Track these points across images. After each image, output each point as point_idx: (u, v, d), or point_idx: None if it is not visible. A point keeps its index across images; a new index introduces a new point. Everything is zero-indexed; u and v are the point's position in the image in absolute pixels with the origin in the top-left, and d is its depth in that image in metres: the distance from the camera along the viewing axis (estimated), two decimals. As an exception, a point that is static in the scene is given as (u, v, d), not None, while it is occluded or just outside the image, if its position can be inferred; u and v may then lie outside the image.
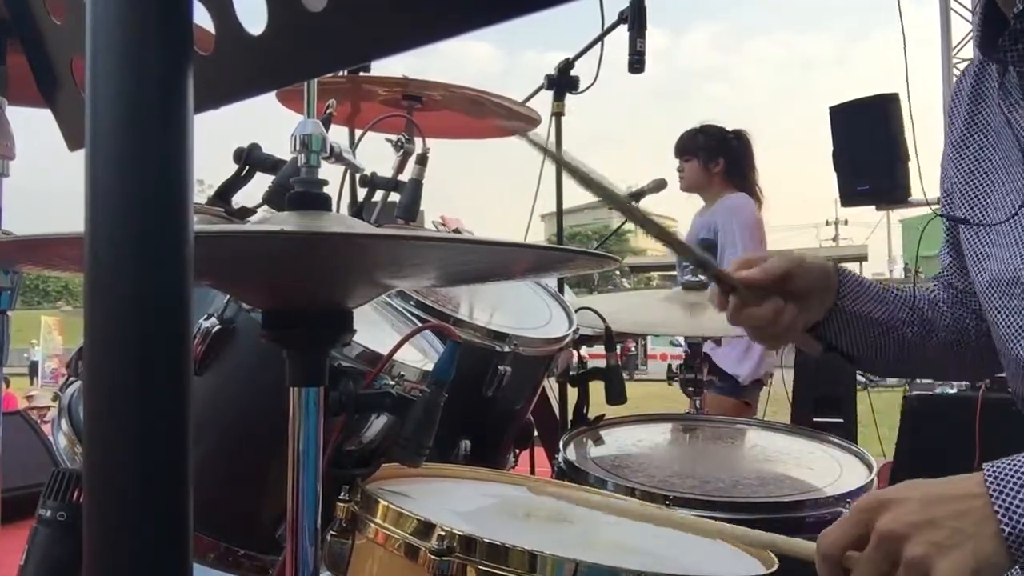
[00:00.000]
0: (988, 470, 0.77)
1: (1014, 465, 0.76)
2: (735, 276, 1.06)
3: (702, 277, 2.10)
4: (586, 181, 0.80)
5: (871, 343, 1.16)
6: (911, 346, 1.18)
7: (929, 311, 1.19)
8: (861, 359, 1.19)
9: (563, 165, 0.82)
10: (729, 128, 3.50)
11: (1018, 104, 1.05)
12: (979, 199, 1.10)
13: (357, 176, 1.81)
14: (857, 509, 0.80)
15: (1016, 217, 1.03)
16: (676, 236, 0.98)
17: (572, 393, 1.79)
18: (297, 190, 0.82)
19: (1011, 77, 1.05)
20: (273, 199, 1.32)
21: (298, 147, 0.87)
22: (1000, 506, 0.75)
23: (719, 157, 3.39)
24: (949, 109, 1.20)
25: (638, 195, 2.82)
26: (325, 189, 0.84)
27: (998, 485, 0.76)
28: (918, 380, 3.62)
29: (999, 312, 1.05)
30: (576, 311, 1.70)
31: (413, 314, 1.37)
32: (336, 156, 1.23)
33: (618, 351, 1.77)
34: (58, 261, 0.80)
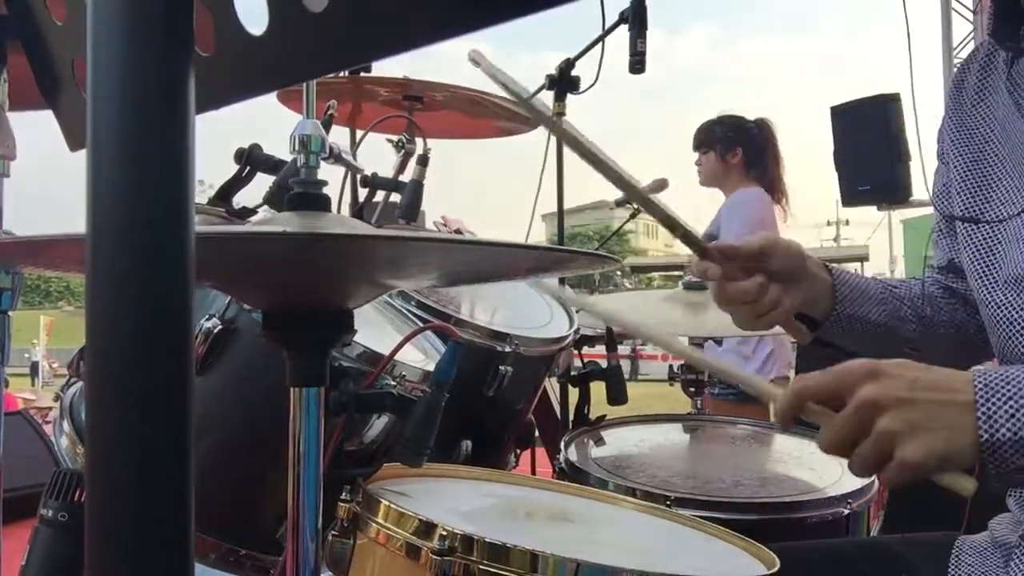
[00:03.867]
0: (978, 376, 0.78)
1: (1004, 376, 0.77)
2: (711, 245, 1.08)
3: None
4: (579, 148, 0.82)
5: (873, 343, 1.17)
6: (913, 343, 1.19)
7: (927, 307, 1.20)
8: (863, 355, 1.21)
9: (559, 133, 0.83)
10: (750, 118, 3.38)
11: None
12: (982, 192, 1.09)
13: (358, 177, 1.81)
14: (845, 369, 0.80)
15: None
16: (661, 207, 0.99)
17: (573, 393, 1.79)
18: (296, 191, 0.82)
19: (1021, 67, 1.04)
20: (274, 199, 1.32)
21: (297, 147, 0.87)
22: (983, 412, 0.75)
23: (736, 147, 3.28)
24: (949, 101, 1.18)
25: (639, 195, 2.82)
26: (325, 190, 0.84)
27: (986, 392, 0.76)
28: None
29: (1008, 311, 1.03)
30: (577, 311, 1.70)
31: (414, 314, 1.37)
32: (335, 157, 1.23)
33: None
34: (59, 262, 0.80)
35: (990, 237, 1.07)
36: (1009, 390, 0.76)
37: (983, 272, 1.07)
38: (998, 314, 1.05)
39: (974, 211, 1.09)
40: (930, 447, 0.74)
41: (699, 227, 3.47)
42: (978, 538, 1.03)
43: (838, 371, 0.80)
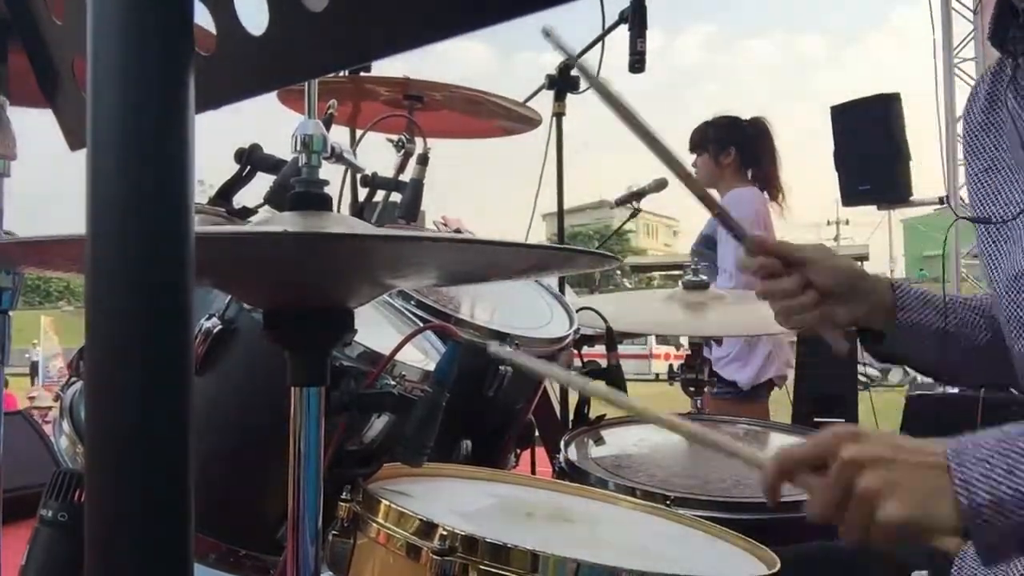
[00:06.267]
0: (950, 443, 0.78)
1: (975, 441, 0.77)
2: (751, 235, 1.10)
3: (703, 278, 2.10)
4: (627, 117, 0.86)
5: (941, 352, 1.16)
6: (983, 352, 1.17)
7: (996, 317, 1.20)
8: (929, 368, 1.22)
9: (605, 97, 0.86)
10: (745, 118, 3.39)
11: None
12: (990, 196, 1.11)
13: (358, 176, 1.81)
14: (829, 433, 0.81)
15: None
16: (701, 187, 1.05)
17: (573, 393, 1.79)
18: (298, 190, 0.82)
19: (1022, 70, 1.06)
20: (274, 199, 1.32)
21: (299, 147, 0.87)
22: (959, 479, 0.75)
23: (729, 147, 3.28)
24: (966, 111, 1.20)
25: (639, 194, 2.83)
26: (326, 189, 0.84)
27: (958, 458, 0.76)
28: (919, 380, 3.61)
29: (1007, 307, 1.05)
30: (577, 311, 1.70)
31: (414, 314, 1.37)
32: (337, 156, 1.23)
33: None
34: (59, 262, 0.80)
35: (998, 237, 1.08)
36: (979, 453, 0.76)
37: (991, 271, 1.09)
38: (1000, 313, 1.06)
39: (984, 211, 1.10)
40: (910, 506, 0.74)
41: (698, 228, 3.48)
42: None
43: (820, 437, 0.81)
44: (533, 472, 1.82)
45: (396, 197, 1.74)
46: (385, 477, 1.03)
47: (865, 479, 0.76)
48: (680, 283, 2.14)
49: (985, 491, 0.74)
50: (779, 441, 1.72)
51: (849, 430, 0.80)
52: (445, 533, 0.81)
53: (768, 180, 3.34)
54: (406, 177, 1.75)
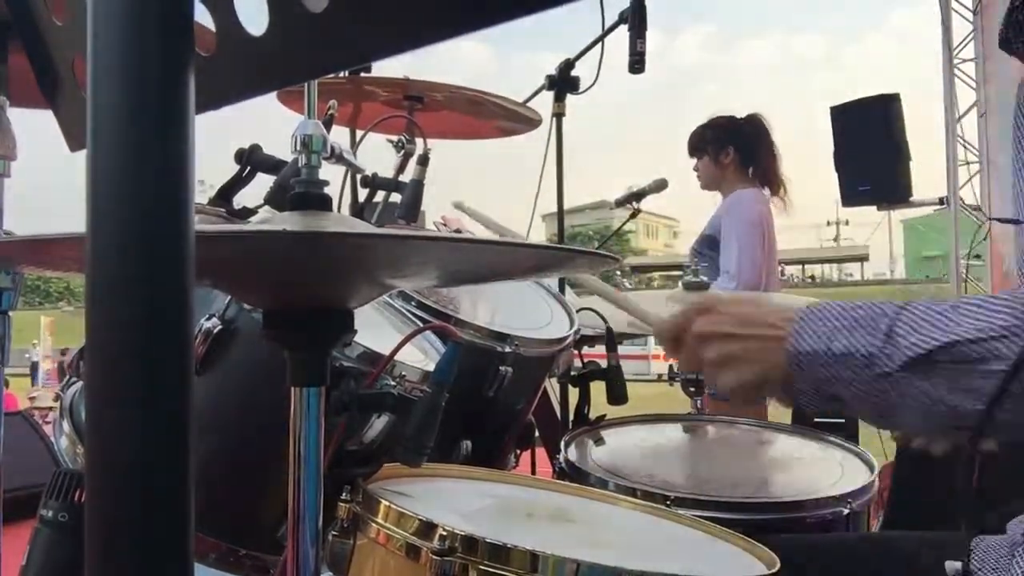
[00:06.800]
0: (806, 309, 0.88)
1: (824, 308, 0.87)
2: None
3: (703, 278, 2.10)
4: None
5: None
6: None
7: None
8: None
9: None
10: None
11: None
12: (1018, 196, 1.11)
13: (358, 177, 1.81)
14: (692, 305, 0.94)
15: None
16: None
17: (573, 393, 1.79)
18: (298, 190, 0.82)
19: None
20: (274, 199, 1.32)
21: (299, 147, 0.87)
22: (795, 331, 0.86)
23: (728, 147, 3.28)
24: (1014, 112, 1.20)
25: (639, 195, 2.82)
26: (326, 190, 0.84)
27: (805, 315, 0.86)
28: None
29: None
30: (577, 311, 1.70)
31: (414, 314, 1.37)
32: (337, 157, 1.23)
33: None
34: (59, 262, 0.80)
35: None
36: (820, 317, 0.86)
37: (1020, 267, 1.08)
38: None
39: (1016, 213, 1.10)
40: (742, 377, 0.88)
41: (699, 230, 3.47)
42: (992, 539, 1.03)
43: (688, 308, 0.94)
44: (533, 472, 1.82)
45: (396, 198, 1.74)
46: (385, 477, 1.03)
47: (708, 352, 0.90)
48: (680, 283, 2.14)
49: (809, 343, 0.85)
50: (779, 442, 1.72)
51: (703, 302, 0.93)
52: (445, 533, 0.81)
53: (767, 175, 3.33)
54: (406, 178, 1.75)
